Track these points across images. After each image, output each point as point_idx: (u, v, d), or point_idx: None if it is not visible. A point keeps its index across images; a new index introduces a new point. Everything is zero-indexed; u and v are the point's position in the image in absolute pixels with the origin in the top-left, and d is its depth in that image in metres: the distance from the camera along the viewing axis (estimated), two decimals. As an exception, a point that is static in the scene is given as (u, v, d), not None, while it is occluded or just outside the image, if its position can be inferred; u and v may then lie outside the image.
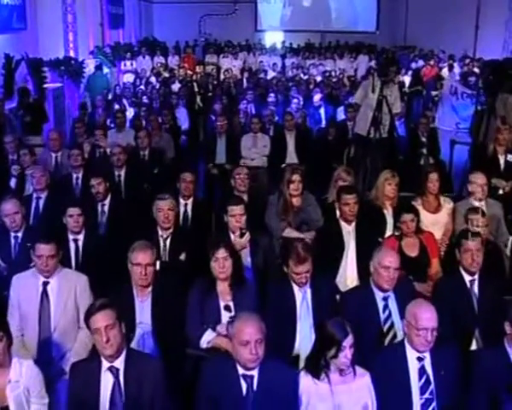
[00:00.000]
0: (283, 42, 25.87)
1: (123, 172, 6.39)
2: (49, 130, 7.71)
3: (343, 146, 8.55)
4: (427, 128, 8.39)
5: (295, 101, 9.89)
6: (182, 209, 5.42)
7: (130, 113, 10.65)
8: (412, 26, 21.10)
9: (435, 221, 5.51)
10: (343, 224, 4.77)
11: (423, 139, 8.40)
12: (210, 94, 13.80)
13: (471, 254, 3.89)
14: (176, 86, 14.13)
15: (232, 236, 4.46)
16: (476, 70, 15.61)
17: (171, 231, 4.61)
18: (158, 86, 13.74)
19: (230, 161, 8.23)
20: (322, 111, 10.74)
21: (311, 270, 3.78)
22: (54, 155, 7.09)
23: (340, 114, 10.71)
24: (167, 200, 4.56)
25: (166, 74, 16.46)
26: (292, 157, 8.41)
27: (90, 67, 14.64)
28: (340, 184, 5.49)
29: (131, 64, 16.13)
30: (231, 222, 4.43)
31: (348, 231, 4.74)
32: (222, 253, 3.78)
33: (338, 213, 4.88)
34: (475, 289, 3.95)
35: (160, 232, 4.60)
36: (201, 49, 25.87)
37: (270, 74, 16.92)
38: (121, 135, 8.23)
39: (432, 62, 15.65)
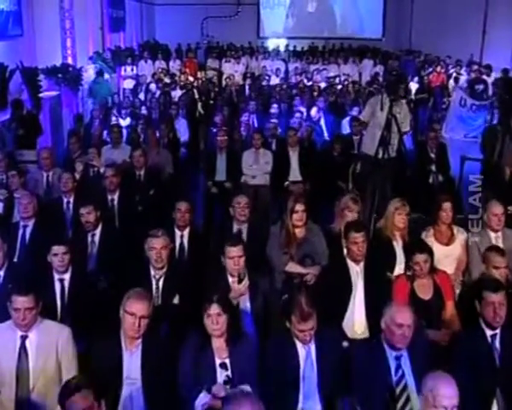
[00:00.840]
0: (287, 45, 25.57)
1: (116, 196, 6.03)
2: (40, 148, 7.34)
3: (348, 162, 8.23)
4: (435, 143, 8.05)
5: (298, 115, 9.50)
6: (178, 241, 5.07)
7: (127, 122, 10.32)
8: (417, 31, 20.71)
9: (448, 254, 5.18)
10: (350, 263, 4.40)
11: (432, 155, 8.07)
12: (211, 102, 13.50)
13: (493, 308, 3.53)
14: (177, 93, 13.82)
15: (230, 279, 4.11)
16: (484, 77, 15.20)
17: (164, 270, 4.26)
18: (158, 94, 13.40)
19: (231, 178, 7.91)
20: (322, 122, 10.37)
21: (315, 327, 3.43)
22: (45, 174, 6.76)
23: (346, 126, 10.38)
24: (160, 237, 4.20)
25: (167, 80, 16.14)
26: (295, 174, 8.07)
27: (89, 72, 14.35)
28: (347, 214, 5.15)
29: (132, 70, 15.76)
30: (229, 264, 4.07)
31: (356, 271, 4.38)
32: (215, 309, 3.43)
33: (345, 251, 4.52)
34: (497, 344, 3.60)
35: (152, 272, 4.25)
36: (204, 52, 25.64)
37: (273, 80, 16.61)
38: (117, 151, 7.89)
39: (439, 69, 15.25)
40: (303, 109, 10.29)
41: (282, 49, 24.69)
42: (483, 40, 18.94)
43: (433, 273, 4.39)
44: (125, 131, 9.95)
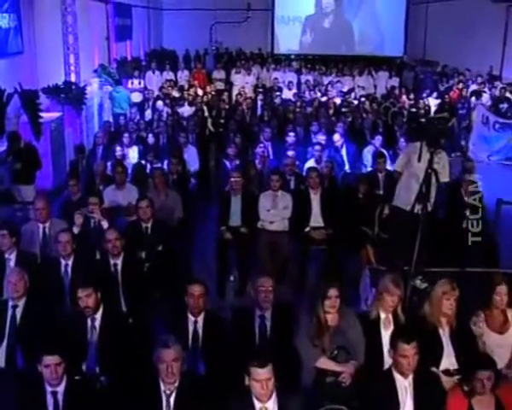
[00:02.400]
0: (298, 54, 24.84)
1: (120, 261, 5.34)
2: (35, 195, 6.64)
3: (374, 204, 7.54)
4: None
5: (318, 148, 8.78)
6: (191, 328, 4.38)
7: (133, 151, 9.63)
8: (432, 39, 19.78)
9: (502, 343, 4.52)
10: (397, 376, 3.70)
11: (466, 199, 7.36)
12: (222, 120, 12.81)
13: None
14: (185, 109, 13.14)
15: (256, 404, 3.40)
16: (508, 95, 14.44)
17: (176, 385, 3.56)
18: (165, 112, 12.72)
19: (247, 223, 7.22)
20: (344, 152, 9.66)
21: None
22: (41, 226, 6.07)
23: (367, 156, 9.67)
24: (171, 348, 3.50)
25: (175, 93, 15.46)
26: (317, 219, 7.37)
27: (93, 87, 13.68)
28: (387, 299, 4.45)
29: (140, 83, 15.07)
30: (256, 388, 3.36)
31: (404, 385, 3.69)
32: None
33: (391, 361, 3.80)
34: None
35: (162, 387, 3.56)
36: (212, 58, 24.91)
37: (286, 93, 15.90)
38: (121, 193, 7.22)
39: (461, 86, 14.48)
40: (322, 139, 9.53)
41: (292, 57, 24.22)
42: (503, 52, 18.17)
43: (497, 388, 3.68)
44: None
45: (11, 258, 5.45)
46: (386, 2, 11.78)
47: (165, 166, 8.95)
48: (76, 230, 5.92)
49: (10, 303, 4.57)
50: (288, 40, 11.79)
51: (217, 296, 7.14)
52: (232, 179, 7.21)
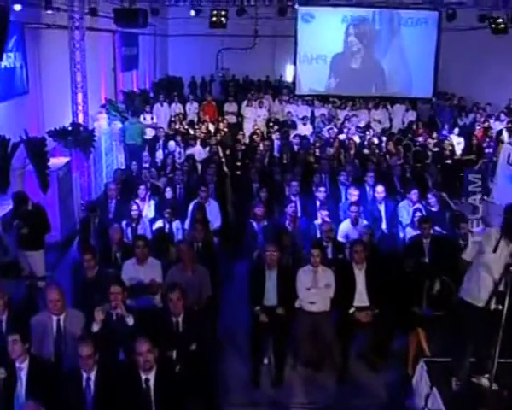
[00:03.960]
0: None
1: (152, 376, 4.51)
2: (48, 285, 5.77)
3: (422, 277, 6.76)
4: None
5: (354, 208, 7.99)
6: None
7: (149, 206, 8.84)
8: (444, 70, 19.00)
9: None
10: None
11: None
12: (238, 163, 12.06)
13: None
14: (197, 150, 12.37)
15: None
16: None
17: None
18: (178, 154, 11.99)
19: (283, 302, 6.41)
20: (382, 208, 8.89)
21: None
22: (55, 318, 5.26)
23: (403, 212, 8.87)
24: None
25: (185, 126, 14.72)
26: (362, 298, 6.59)
27: (101, 122, 12.94)
28: None
29: (152, 118, 14.31)
30: None
31: None
32: None
33: None
34: None
35: None
36: (219, 85, 24.25)
37: (300, 128, 15.17)
38: (143, 269, 6.42)
39: (486, 125, 13.76)
40: (355, 195, 8.73)
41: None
42: (525, 87, 17.47)
43: None
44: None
45: (23, 367, 4.65)
46: (415, 39, 11.08)
47: (186, 226, 8.25)
48: (96, 327, 5.11)
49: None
50: (312, 80, 11.05)
51: (250, 386, 6.35)
52: (268, 254, 6.41)
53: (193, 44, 23.02)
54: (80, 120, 11.24)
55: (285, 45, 24.97)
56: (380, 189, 8.82)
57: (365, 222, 8.11)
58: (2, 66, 9.14)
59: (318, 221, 8.17)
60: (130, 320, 5.16)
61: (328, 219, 8.00)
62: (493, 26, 12.08)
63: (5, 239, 6.88)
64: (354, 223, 8.00)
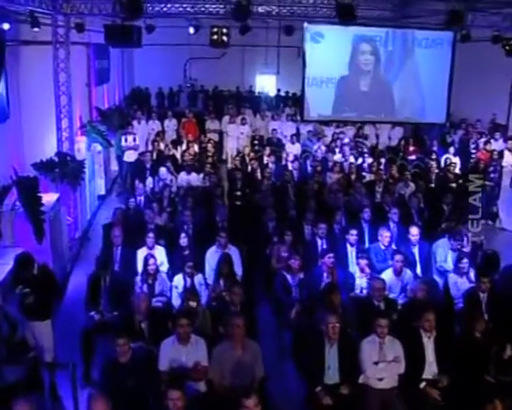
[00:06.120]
0: (279, 90, 23.32)
1: None
2: (91, 398, 4.62)
3: (491, 342, 6.05)
4: None
5: (399, 258, 7.17)
6: None
7: (160, 253, 7.80)
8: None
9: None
10: None
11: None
12: (238, 193, 11.09)
13: None
14: (192, 178, 11.34)
15: None
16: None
17: None
18: (169, 181, 10.96)
19: (347, 379, 5.54)
20: (416, 250, 8.12)
21: None
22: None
23: (439, 254, 8.11)
24: None
25: (170, 147, 13.61)
26: (432, 369, 5.79)
27: (80, 145, 11.64)
28: None
29: (134, 139, 13.15)
30: None
31: None
32: None
33: None
34: None
35: None
36: (187, 96, 23.20)
37: (289, 147, 14.26)
38: (185, 349, 5.40)
39: (488, 147, 13.25)
40: (387, 236, 7.95)
41: (272, 90, 22.71)
42: (510, 102, 17.17)
43: None
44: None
45: None
46: (429, 61, 10.43)
47: (209, 281, 7.25)
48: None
49: None
50: (320, 104, 10.23)
51: None
52: (330, 326, 5.52)
53: (160, 54, 21.79)
54: (65, 148, 10.01)
55: (254, 55, 24.34)
56: (414, 231, 8.03)
57: (409, 273, 7.33)
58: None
59: (355, 272, 7.38)
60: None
61: (368, 270, 7.20)
62: (507, 47, 11.57)
63: (9, 312, 5.69)
64: (398, 273, 7.22)
